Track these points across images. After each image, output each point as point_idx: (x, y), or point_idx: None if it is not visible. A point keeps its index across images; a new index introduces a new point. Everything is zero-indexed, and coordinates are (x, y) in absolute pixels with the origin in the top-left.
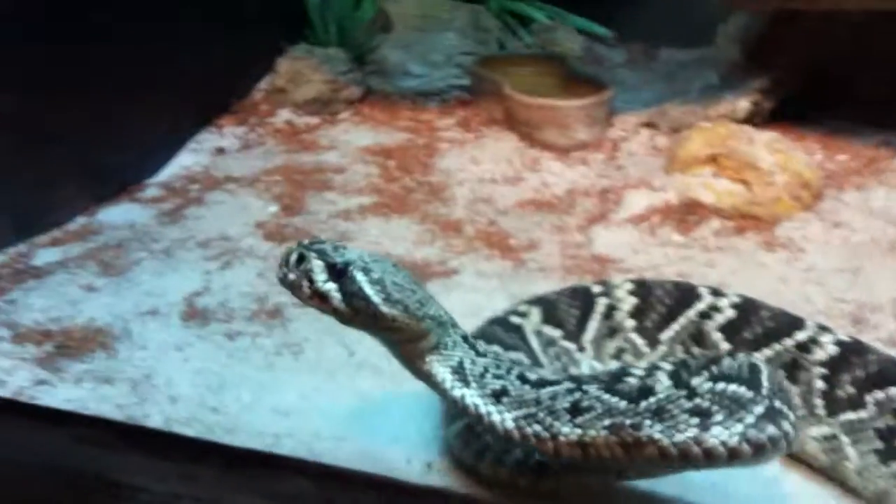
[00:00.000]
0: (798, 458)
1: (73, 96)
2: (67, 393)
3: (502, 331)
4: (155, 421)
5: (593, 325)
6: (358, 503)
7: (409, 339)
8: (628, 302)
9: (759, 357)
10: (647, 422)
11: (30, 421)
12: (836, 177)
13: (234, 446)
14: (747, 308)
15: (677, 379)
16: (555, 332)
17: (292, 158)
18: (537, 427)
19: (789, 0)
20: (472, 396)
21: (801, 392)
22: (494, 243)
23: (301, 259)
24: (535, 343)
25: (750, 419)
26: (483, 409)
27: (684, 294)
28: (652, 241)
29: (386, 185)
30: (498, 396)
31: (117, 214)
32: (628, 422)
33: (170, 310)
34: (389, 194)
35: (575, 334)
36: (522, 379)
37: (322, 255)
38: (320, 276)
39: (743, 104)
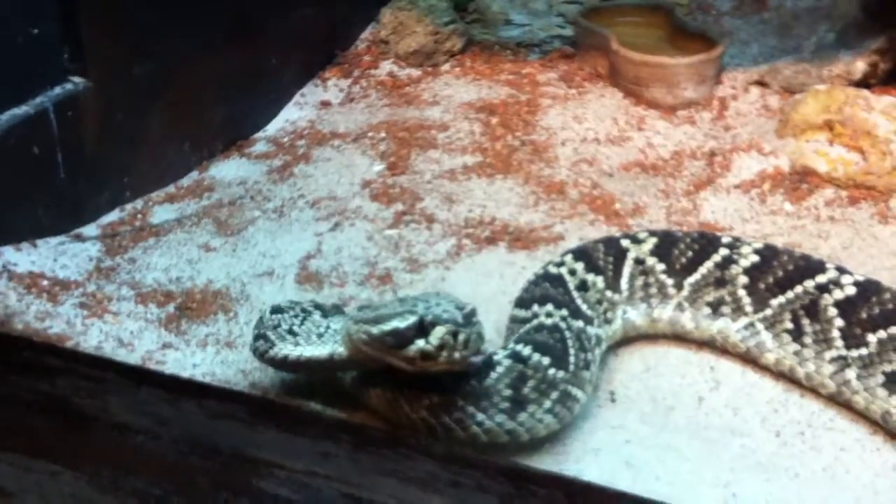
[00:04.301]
0: None
1: (184, 52)
2: (193, 357)
3: None
4: (277, 389)
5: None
6: (484, 487)
7: None
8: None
9: None
10: None
11: (163, 391)
12: None
13: (365, 425)
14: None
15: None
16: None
17: (396, 113)
18: None
19: None
20: None
21: None
22: (599, 207)
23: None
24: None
25: None
26: None
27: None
28: (762, 210)
29: (489, 143)
30: None
31: (229, 170)
32: None
33: (285, 272)
34: (493, 153)
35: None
36: None
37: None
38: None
39: (859, 65)
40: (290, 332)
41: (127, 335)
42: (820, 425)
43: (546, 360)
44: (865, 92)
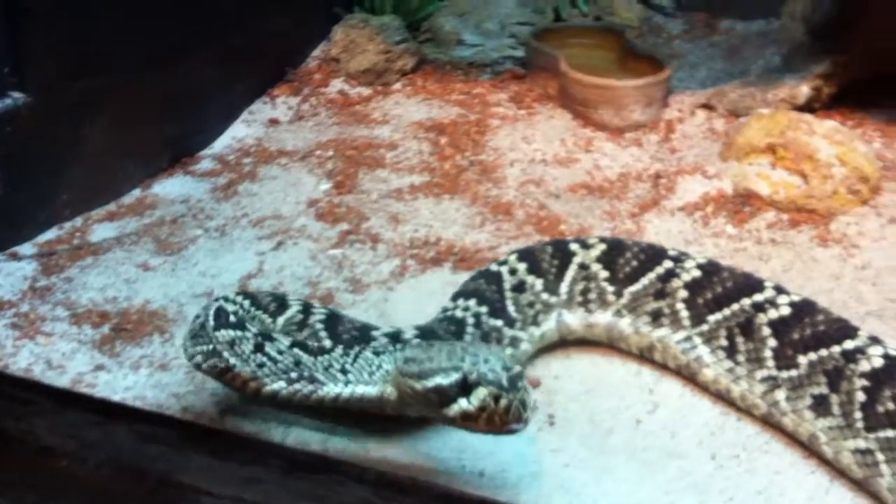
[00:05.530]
0: (836, 469)
1: (128, 68)
2: (125, 380)
3: None
4: (211, 412)
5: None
6: None
7: None
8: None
9: None
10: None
11: (92, 414)
12: (895, 168)
13: (296, 448)
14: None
15: None
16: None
17: (345, 132)
18: None
19: None
20: None
21: (840, 402)
22: (545, 229)
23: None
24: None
25: None
26: None
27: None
28: (705, 232)
29: (438, 163)
30: None
31: (172, 188)
32: None
33: (224, 292)
34: (441, 173)
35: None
36: None
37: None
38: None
39: (804, 89)
40: (343, 370)
41: (58, 357)
42: (755, 448)
43: None
44: (808, 116)
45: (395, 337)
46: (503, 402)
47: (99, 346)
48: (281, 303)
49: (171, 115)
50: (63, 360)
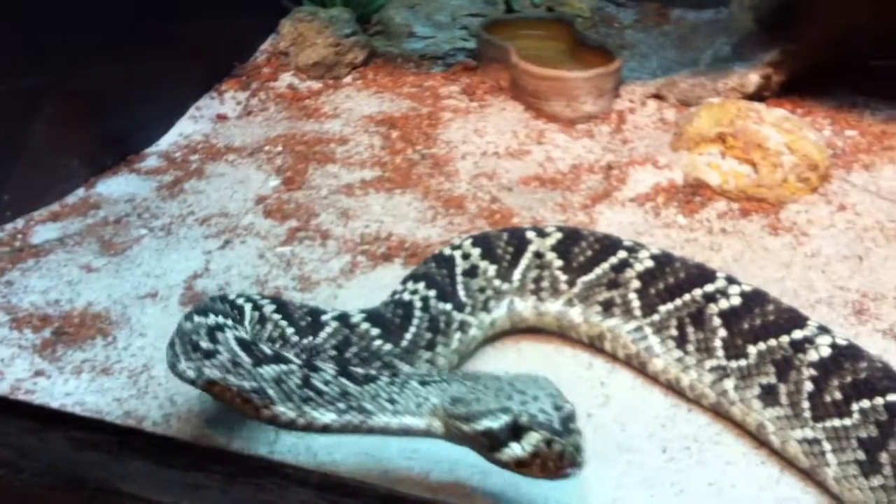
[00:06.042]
0: (784, 458)
1: (70, 64)
2: (66, 385)
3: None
4: (154, 417)
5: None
6: None
7: None
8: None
9: None
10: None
11: (28, 422)
12: (844, 155)
13: (239, 453)
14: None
15: None
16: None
17: (294, 127)
18: None
19: None
20: None
21: (788, 391)
22: (497, 222)
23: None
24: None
25: None
26: None
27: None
28: (656, 223)
29: (389, 157)
30: None
31: (117, 186)
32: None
33: (169, 293)
34: (392, 168)
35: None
36: None
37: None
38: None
39: (753, 78)
40: (391, 400)
41: None
42: (706, 439)
43: (375, 331)
44: (758, 105)
45: (344, 319)
46: (556, 447)
47: (39, 351)
48: (236, 307)
49: (115, 112)
50: (1, 366)
